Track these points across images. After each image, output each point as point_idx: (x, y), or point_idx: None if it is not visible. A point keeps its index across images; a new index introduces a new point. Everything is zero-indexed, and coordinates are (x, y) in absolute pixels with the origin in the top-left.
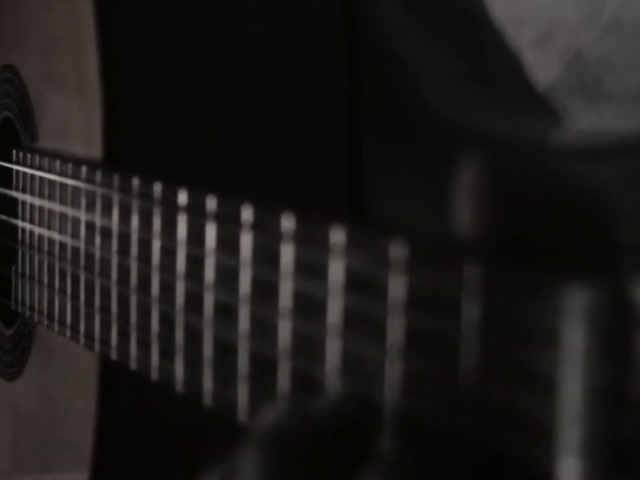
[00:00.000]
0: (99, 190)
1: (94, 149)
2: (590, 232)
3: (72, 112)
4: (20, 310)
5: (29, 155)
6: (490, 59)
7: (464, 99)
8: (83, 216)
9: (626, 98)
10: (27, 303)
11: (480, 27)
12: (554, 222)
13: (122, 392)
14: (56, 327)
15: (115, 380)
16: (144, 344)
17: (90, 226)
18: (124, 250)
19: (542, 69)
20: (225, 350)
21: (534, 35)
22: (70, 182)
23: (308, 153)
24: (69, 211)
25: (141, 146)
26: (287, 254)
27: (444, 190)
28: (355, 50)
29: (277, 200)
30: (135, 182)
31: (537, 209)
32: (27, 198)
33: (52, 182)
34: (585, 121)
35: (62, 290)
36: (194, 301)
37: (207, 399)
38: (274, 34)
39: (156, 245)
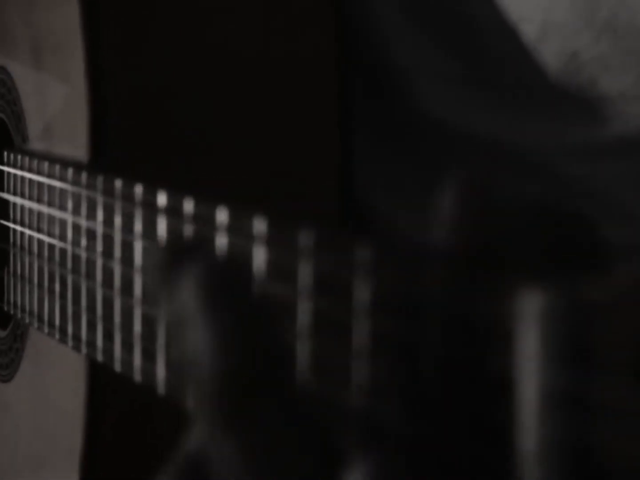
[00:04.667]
0: (84, 192)
1: (81, 151)
2: (576, 239)
3: (60, 114)
4: (12, 312)
5: (19, 157)
6: (487, 61)
7: (461, 102)
8: (70, 218)
9: (621, 98)
10: (19, 305)
11: (477, 29)
12: (537, 237)
13: (112, 394)
14: (46, 329)
15: (104, 382)
16: (127, 346)
17: (76, 228)
18: (107, 251)
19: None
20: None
21: (530, 37)
22: (57, 184)
23: (298, 154)
24: (57, 213)
25: (128, 148)
26: (259, 257)
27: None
28: (349, 52)
29: (267, 200)
30: (118, 183)
31: (518, 224)
32: (18, 200)
33: (40, 184)
34: (581, 121)
35: (51, 292)
36: None
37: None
38: (263, 35)
39: (138, 246)
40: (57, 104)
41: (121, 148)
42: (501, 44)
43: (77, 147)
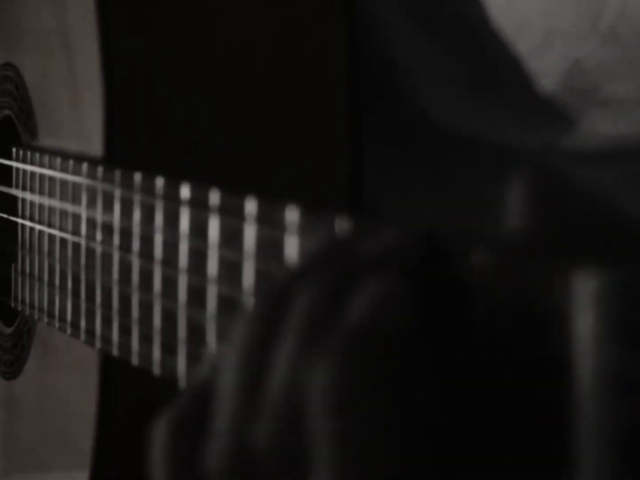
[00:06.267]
0: (100, 186)
1: (94, 146)
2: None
3: (72, 110)
4: (20, 308)
5: (29, 153)
6: (492, 66)
7: (466, 106)
8: (84, 213)
9: (625, 103)
10: (27, 301)
11: (483, 34)
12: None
13: (123, 389)
14: (57, 324)
15: (116, 377)
16: (146, 339)
17: (91, 222)
18: (125, 245)
19: (542, 76)
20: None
21: (533, 44)
22: (70, 178)
23: (308, 155)
24: (70, 208)
25: (142, 143)
26: (291, 246)
27: (446, 195)
28: (356, 56)
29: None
30: (137, 177)
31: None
32: (28, 196)
33: (52, 179)
34: (585, 126)
35: (63, 288)
36: (197, 295)
37: None
38: (275, 34)
39: (158, 239)
40: (69, 100)
41: (135, 143)
42: (504, 48)
43: (89, 142)
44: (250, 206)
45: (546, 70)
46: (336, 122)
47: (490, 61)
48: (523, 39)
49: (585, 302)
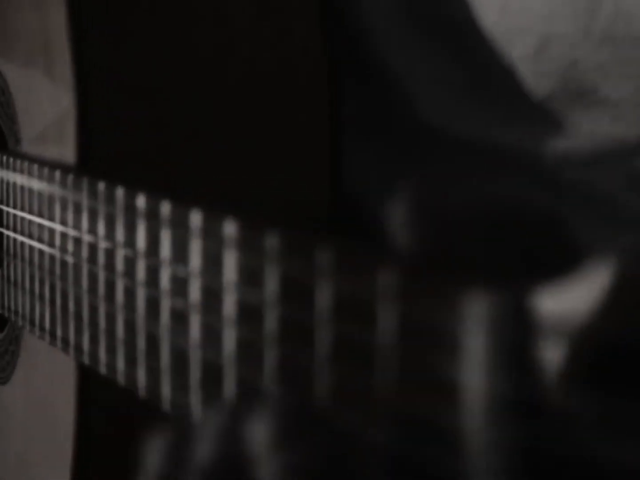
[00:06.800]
0: (71, 196)
1: (70, 153)
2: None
3: (51, 116)
4: (6, 314)
5: (11, 160)
6: (484, 67)
7: (461, 109)
8: (57, 222)
9: (623, 103)
10: (13, 308)
11: (474, 35)
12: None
13: (102, 396)
14: (37, 332)
15: (94, 384)
16: (111, 350)
17: (63, 233)
18: (92, 256)
19: (539, 78)
20: (180, 358)
21: (529, 47)
22: (45, 187)
23: (289, 156)
24: (46, 217)
25: (116, 150)
26: (230, 261)
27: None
28: (351, 59)
29: (258, 200)
30: (101, 186)
31: (470, 232)
32: (10, 204)
33: (31, 189)
34: (583, 127)
35: (42, 296)
36: (154, 308)
37: (166, 404)
38: (253, 37)
39: (120, 251)
40: (48, 105)
41: (109, 149)
42: (497, 51)
43: (67, 149)
44: (195, 218)
45: (544, 71)
46: (316, 116)
47: (485, 64)
48: (520, 42)
49: (475, 324)
